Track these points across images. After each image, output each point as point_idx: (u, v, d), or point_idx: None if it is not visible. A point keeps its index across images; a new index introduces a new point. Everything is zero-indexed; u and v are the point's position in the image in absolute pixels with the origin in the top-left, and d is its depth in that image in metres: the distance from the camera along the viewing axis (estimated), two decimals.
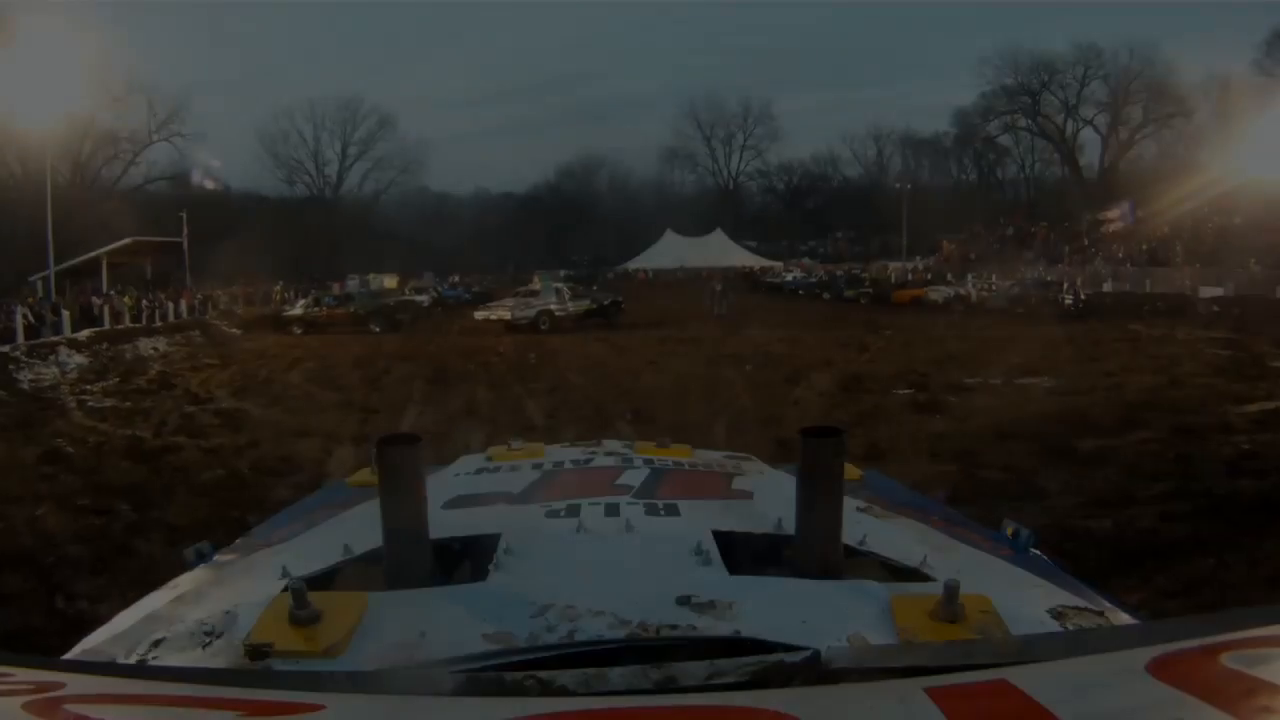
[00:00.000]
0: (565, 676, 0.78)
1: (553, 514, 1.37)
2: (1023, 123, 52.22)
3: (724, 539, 1.22)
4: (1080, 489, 6.05)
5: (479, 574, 1.17)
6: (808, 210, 60.15)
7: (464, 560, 1.37)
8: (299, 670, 0.88)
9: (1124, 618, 1.11)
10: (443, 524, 1.30)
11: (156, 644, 1.01)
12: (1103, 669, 0.72)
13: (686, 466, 1.86)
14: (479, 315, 25.05)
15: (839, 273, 40.08)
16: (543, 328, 22.13)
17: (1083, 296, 27.14)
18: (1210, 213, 35.93)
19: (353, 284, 41.21)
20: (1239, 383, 10.88)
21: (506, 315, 23.76)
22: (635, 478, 1.66)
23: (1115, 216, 37.17)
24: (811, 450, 1.11)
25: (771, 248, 56.25)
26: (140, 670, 0.94)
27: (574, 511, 1.36)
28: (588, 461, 1.88)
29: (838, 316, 25.78)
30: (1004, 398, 10.36)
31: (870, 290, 32.15)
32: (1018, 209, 48.14)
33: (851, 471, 1.79)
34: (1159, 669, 0.68)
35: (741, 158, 61.23)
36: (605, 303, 25.10)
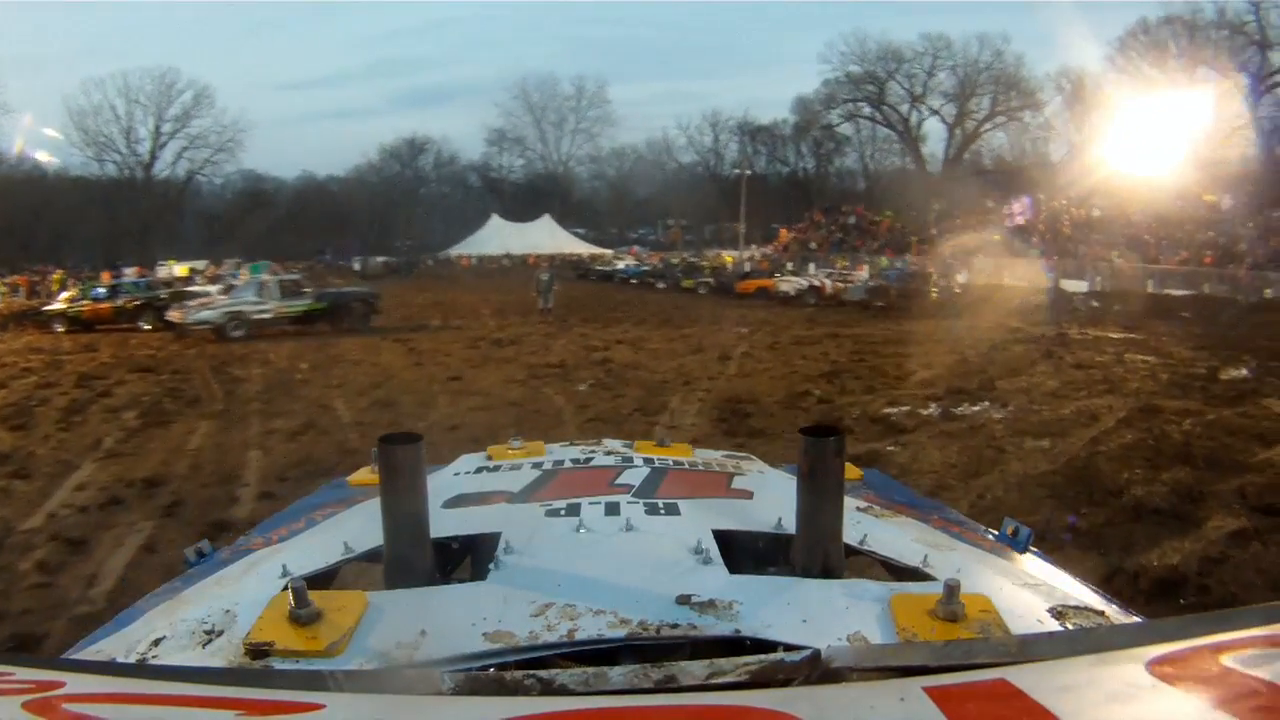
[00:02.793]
0: (565, 676, 0.78)
1: (553, 513, 1.37)
2: (866, 111, 51.44)
3: (724, 538, 1.22)
4: None
5: (479, 573, 1.17)
6: (640, 197, 58.03)
7: (464, 559, 1.37)
8: (299, 669, 0.88)
9: (1124, 618, 1.11)
10: (443, 523, 1.30)
11: (156, 643, 1.01)
12: (1103, 669, 0.72)
13: (687, 466, 1.86)
14: (172, 316, 18.55)
15: (675, 261, 37.30)
16: (234, 334, 16.96)
17: (957, 289, 24.76)
18: (1066, 205, 35.39)
19: (128, 273, 34.32)
20: (1223, 407, 8.49)
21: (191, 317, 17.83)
22: (635, 477, 1.66)
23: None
24: (811, 450, 1.11)
25: (602, 235, 54.25)
26: (140, 670, 0.94)
27: (574, 511, 1.36)
28: (588, 460, 1.88)
29: (680, 310, 21.96)
30: (955, 440, 7.13)
31: (711, 280, 28.95)
32: (858, 198, 47.43)
33: (851, 471, 1.79)
34: (1159, 669, 0.68)
35: (573, 142, 58.63)
36: (346, 301, 19.10)
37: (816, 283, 26.28)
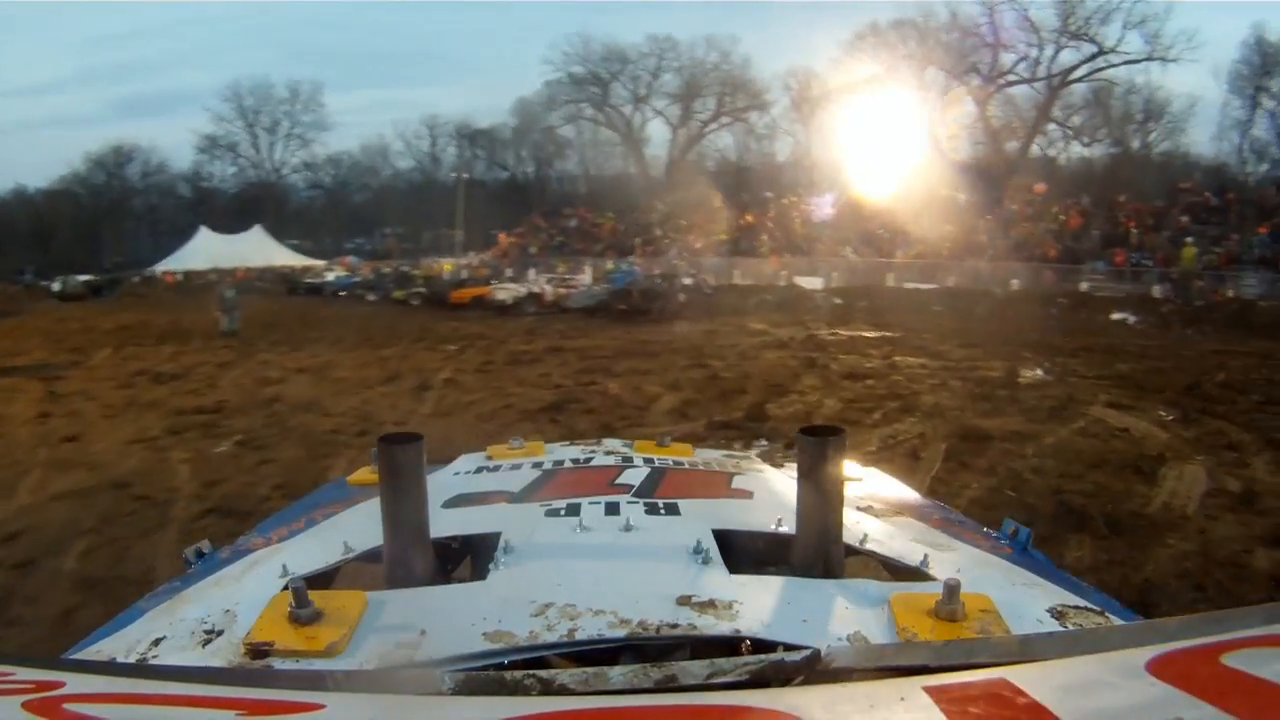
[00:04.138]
0: (565, 675, 0.78)
1: (553, 513, 1.37)
2: (588, 113, 49.58)
3: (724, 538, 1.22)
4: None
5: (479, 573, 1.17)
6: (356, 205, 55.20)
7: (464, 559, 1.37)
8: (299, 669, 0.88)
9: (1124, 617, 1.11)
10: (443, 523, 1.30)
11: (156, 643, 1.01)
12: (1103, 668, 0.72)
13: (687, 466, 1.86)
14: None
15: (386, 270, 34.43)
16: None
17: (708, 289, 23.38)
18: (796, 203, 35.14)
19: None
20: (1054, 424, 7.53)
21: None
22: (635, 477, 1.66)
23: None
24: (811, 450, 1.11)
25: (319, 246, 51.16)
26: (140, 670, 0.94)
27: (574, 510, 1.36)
28: (588, 460, 1.88)
29: (386, 325, 19.18)
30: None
31: (424, 290, 26.87)
32: (581, 201, 45.95)
33: (852, 471, 1.79)
34: (1159, 669, 0.68)
35: (287, 147, 54.39)
36: None
37: (536, 289, 24.30)
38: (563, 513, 1.36)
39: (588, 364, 11.88)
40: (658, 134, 49.15)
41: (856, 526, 1.32)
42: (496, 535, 1.23)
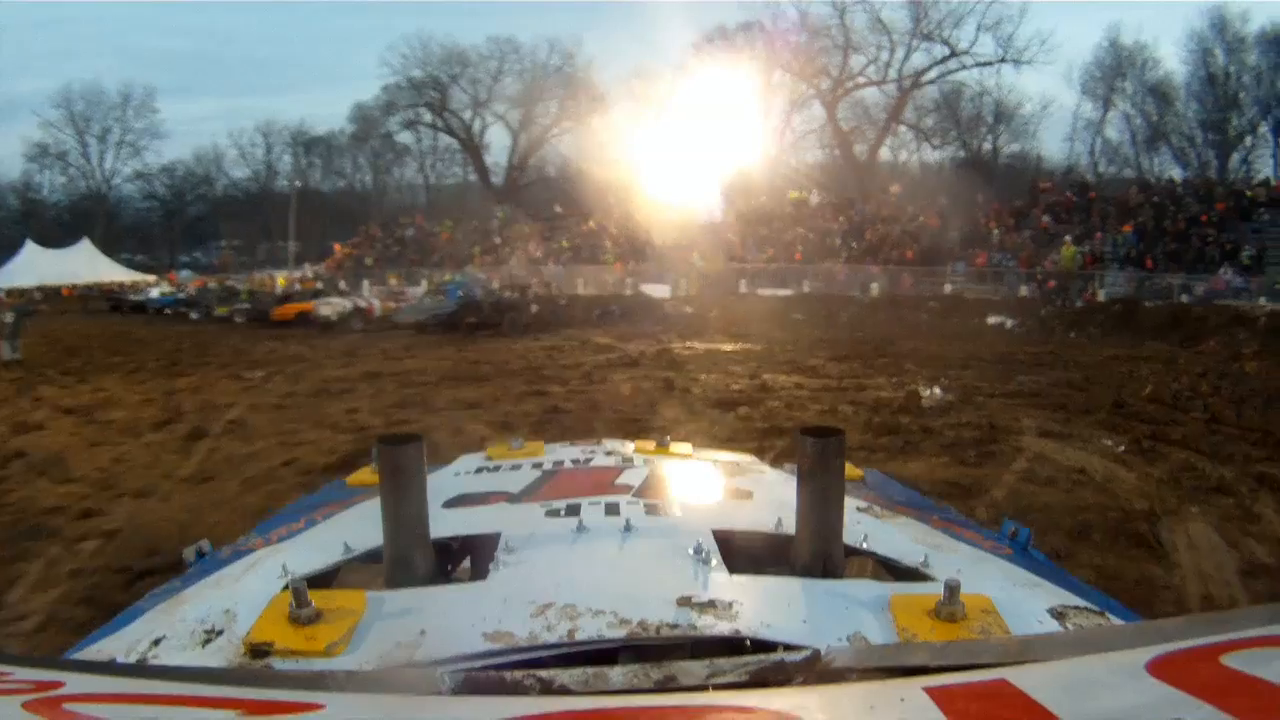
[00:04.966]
0: (565, 676, 0.78)
1: (553, 513, 1.37)
2: (427, 118, 47.73)
3: (724, 539, 1.22)
4: None
5: (479, 573, 1.17)
6: (193, 217, 52.19)
7: (464, 559, 1.37)
8: (299, 669, 0.88)
9: (1124, 618, 1.11)
10: (443, 523, 1.30)
11: (156, 643, 1.01)
12: (1103, 669, 0.72)
13: (687, 466, 1.86)
14: None
15: (212, 286, 32.17)
16: None
17: (563, 300, 21.65)
18: (639, 208, 33.38)
19: None
20: (1001, 469, 6.23)
21: None
22: (635, 477, 1.66)
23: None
24: (811, 450, 1.11)
25: (154, 260, 48.39)
26: (140, 670, 0.94)
27: (574, 511, 1.36)
28: (588, 461, 1.88)
29: (198, 347, 16.70)
30: None
31: (249, 305, 25.04)
32: (420, 210, 44.34)
33: (852, 471, 1.79)
34: (1159, 669, 0.68)
35: (118, 156, 50.86)
36: None
37: (363, 304, 22.57)
38: (563, 513, 1.36)
39: (407, 394, 9.97)
40: (499, 140, 47.62)
41: (856, 526, 1.31)
42: (496, 535, 1.23)
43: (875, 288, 24.87)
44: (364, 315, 21.57)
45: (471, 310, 19.14)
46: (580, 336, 16.20)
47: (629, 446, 2.09)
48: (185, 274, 42.29)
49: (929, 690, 0.68)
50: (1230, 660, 0.69)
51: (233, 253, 48.32)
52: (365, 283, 29.68)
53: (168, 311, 27.91)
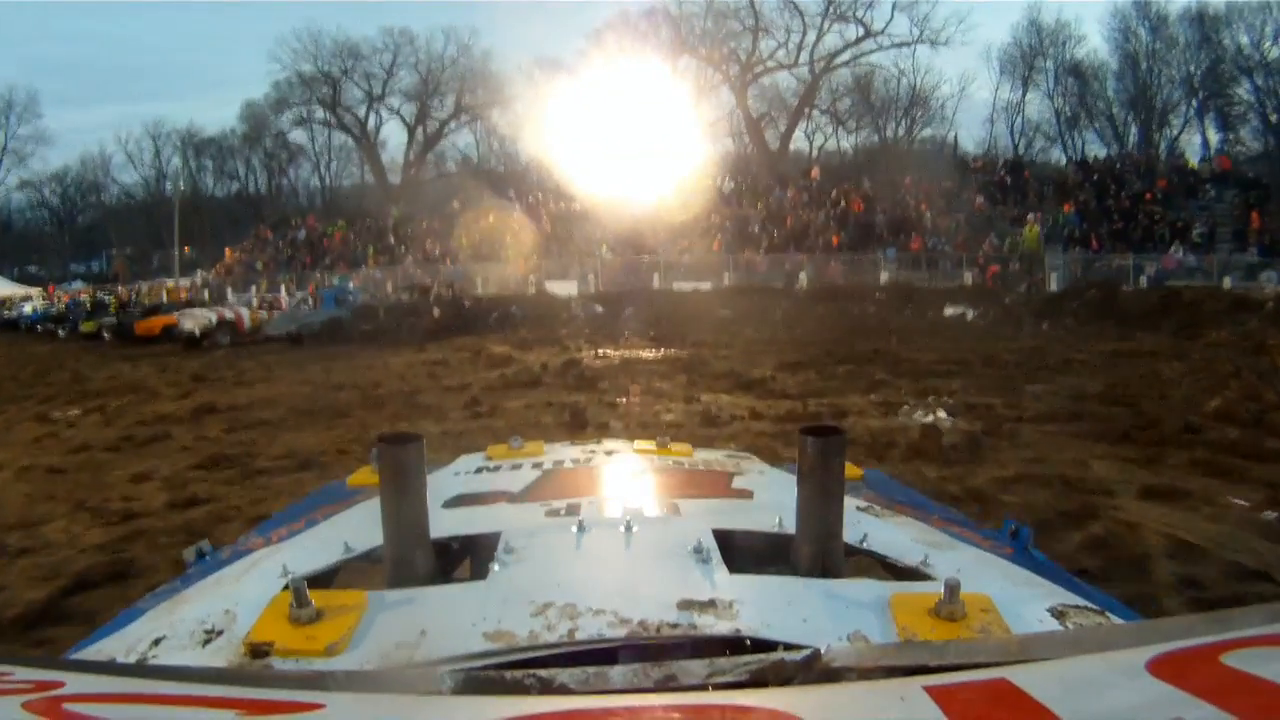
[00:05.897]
0: (565, 675, 0.78)
1: (553, 513, 1.37)
2: (320, 115, 45.72)
3: (724, 538, 1.22)
4: None
5: (479, 573, 1.17)
6: (85, 226, 49.69)
7: (464, 559, 1.37)
8: (299, 669, 0.87)
9: (1124, 617, 1.11)
10: (443, 523, 1.30)
11: (156, 643, 1.01)
12: (1103, 668, 0.72)
13: (686, 466, 1.87)
14: None
15: (82, 298, 29.65)
16: None
17: (468, 302, 20.17)
18: (543, 202, 32.56)
19: None
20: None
21: None
22: (635, 476, 1.66)
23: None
24: (811, 449, 1.11)
25: (48, 272, 45.84)
26: (140, 670, 0.93)
27: (574, 510, 1.36)
28: (588, 460, 1.89)
29: (39, 371, 14.16)
30: None
31: (115, 320, 22.18)
32: (314, 211, 42.44)
33: (851, 470, 1.79)
34: (1159, 668, 0.68)
35: (2, 164, 47.61)
36: None
37: (230, 315, 19.72)
38: (563, 513, 1.36)
39: (231, 442, 7.50)
40: (395, 136, 46.11)
41: (856, 526, 1.31)
42: (496, 535, 1.23)
43: (803, 278, 23.62)
44: (232, 328, 18.98)
45: (367, 317, 17.25)
46: (475, 345, 13.77)
47: (629, 446, 2.10)
48: (76, 284, 40.06)
49: (929, 689, 0.68)
50: (1230, 659, 0.69)
51: (126, 261, 46.17)
52: (254, 288, 28.01)
53: (39, 328, 25.57)
